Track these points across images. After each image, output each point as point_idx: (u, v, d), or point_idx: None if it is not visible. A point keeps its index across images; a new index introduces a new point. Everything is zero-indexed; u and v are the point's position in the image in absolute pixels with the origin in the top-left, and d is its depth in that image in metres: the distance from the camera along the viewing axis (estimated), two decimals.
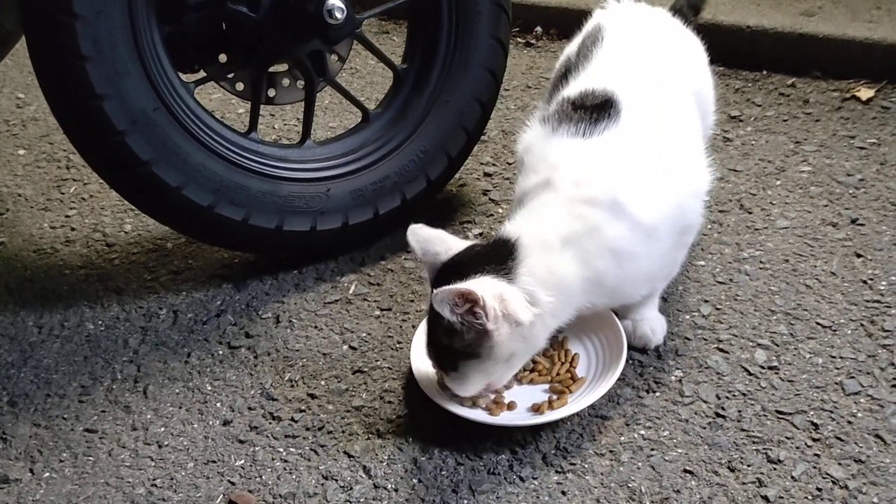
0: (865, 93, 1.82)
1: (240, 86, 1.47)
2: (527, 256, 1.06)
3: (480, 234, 1.53)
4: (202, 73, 1.44)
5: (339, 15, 1.34)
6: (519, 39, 2.27)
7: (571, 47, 1.33)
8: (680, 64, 1.28)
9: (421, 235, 1.11)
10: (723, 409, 1.14)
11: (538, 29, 2.28)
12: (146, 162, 1.27)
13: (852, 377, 1.17)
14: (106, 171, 1.32)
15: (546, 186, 1.11)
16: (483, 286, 1.01)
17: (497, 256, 1.06)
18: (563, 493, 1.05)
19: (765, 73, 1.96)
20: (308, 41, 1.41)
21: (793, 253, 1.41)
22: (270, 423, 1.19)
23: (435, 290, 1.01)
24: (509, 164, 1.72)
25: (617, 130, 1.12)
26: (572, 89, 1.20)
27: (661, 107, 1.18)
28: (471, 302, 0.99)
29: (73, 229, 1.67)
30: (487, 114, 1.57)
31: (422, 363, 1.19)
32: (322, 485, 1.09)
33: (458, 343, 1.04)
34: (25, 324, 1.43)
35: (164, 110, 1.28)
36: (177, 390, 1.26)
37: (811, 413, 1.12)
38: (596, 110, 1.14)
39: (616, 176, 1.09)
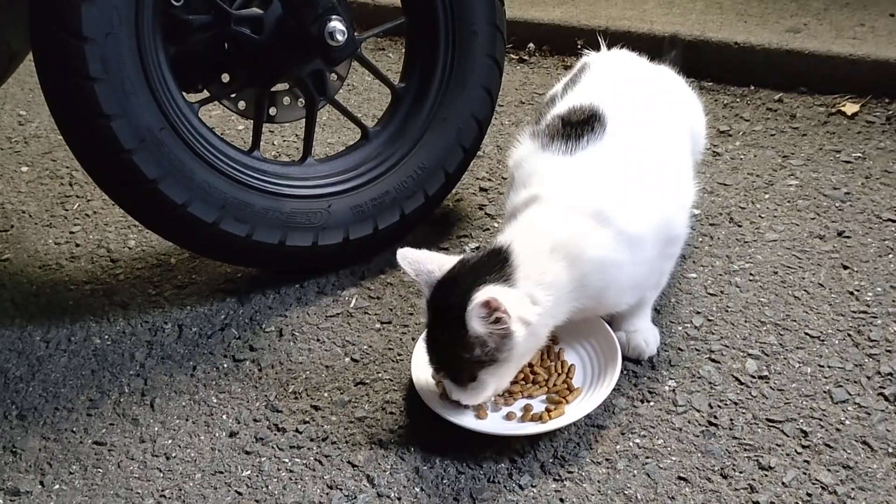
0: (850, 108, 1.87)
1: (242, 104, 1.50)
2: (521, 262, 1.10)
3: (477, 248, 1.57)
4: (205, 93, 1.47)
5: (340, 37, 1.38)
6: (512, 56, 2.31)
7: (559, 85, 1.40)
8: (665, 86, 1.35)
9: (411, 257, 1.14)
10: (715, 417, 1.17)
11: (531, 45, 2.33)
12: (153, 180, 1.30)
13: (840, 386, 1.20)
14: (113, 189, 1.35)
15: (535, 199, 1.16)
16: (497, 293, 1.04)
17: (493, 265, 1.10)
18: (562, 500, 1.08)
19: (752, 88, 2.01)
20: (310, 62, 1.45)
21: (781, 265, 1.45)
22: (275, 434, 1.22)
23: (468, 310, 1.03)
24: (504, 179, 1.76)
25: (603, 143, 1.17)
26: (561, 107, 1.25)
27: (648, 120, 1.23)
28: (494, 309, 1.03)
29: (77, 245, 1.70)
30: (483, 130, 1.61)
31: (422, 374, 1.22)
32: (327, 494, 1.12)
33: (481, 352, 1.07)
34: (32, 338, 1.45)
35: (170, 129, 1.31)
36: (183, 403, 1.29)
37: (801, 421, 1.16)
38: (583, 125, 1.19)
39: (602, 186, 1.14)
